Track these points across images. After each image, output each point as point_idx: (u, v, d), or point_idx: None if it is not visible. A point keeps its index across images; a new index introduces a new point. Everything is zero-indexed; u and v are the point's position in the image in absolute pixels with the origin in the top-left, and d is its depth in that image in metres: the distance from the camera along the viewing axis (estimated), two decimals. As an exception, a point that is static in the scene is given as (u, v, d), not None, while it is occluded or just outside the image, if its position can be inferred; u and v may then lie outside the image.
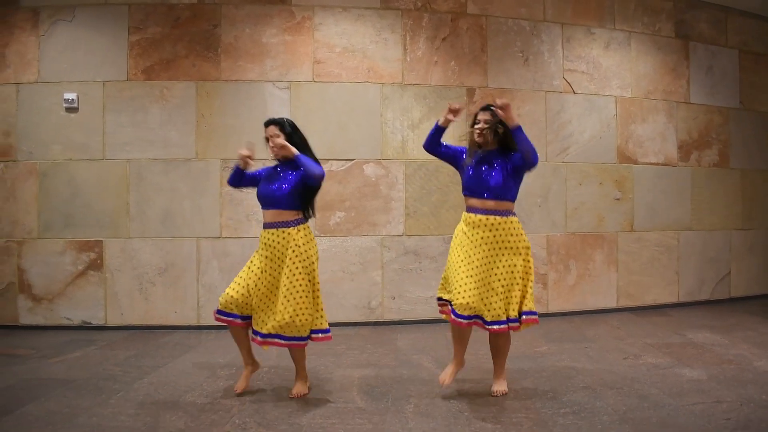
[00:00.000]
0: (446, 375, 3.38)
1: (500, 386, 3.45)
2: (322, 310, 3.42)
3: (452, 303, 3.28)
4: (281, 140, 3.42)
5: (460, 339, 3.40)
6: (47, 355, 4.41)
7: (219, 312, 3.44)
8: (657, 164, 6.31)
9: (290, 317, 3.25)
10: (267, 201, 3.44)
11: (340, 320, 5.41)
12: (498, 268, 3.35)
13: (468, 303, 3.22)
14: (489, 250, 3.36)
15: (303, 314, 3.29)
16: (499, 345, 3.45)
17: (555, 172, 5.89)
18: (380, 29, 5.55)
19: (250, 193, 5.31)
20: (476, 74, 5.71)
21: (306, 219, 3.51)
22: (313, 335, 3.38)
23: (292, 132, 3.52)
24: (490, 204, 3.38)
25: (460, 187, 5.64)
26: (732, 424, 2.93)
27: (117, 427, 2.93)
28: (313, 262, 3.39)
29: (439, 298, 3.58)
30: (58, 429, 2.90)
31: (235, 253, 5.36)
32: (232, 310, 3.41)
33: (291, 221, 3.39)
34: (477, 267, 3.31)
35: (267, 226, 3.43)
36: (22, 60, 5.34)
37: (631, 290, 6.19)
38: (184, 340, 4.93)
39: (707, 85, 6.62)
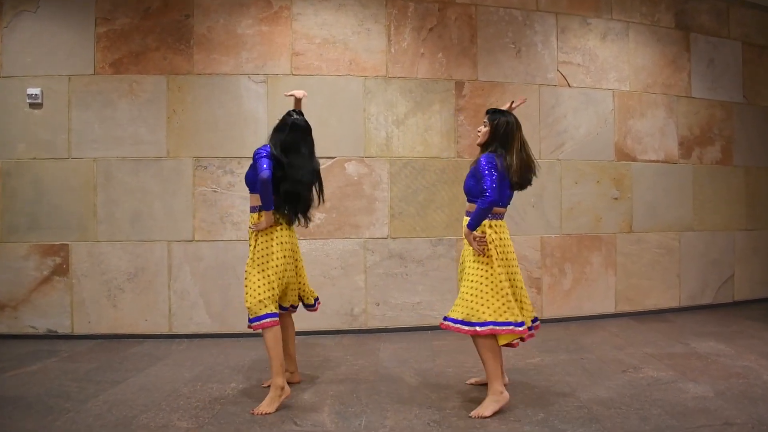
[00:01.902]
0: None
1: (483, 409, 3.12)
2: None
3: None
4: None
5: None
6: (4, 368, 4.09)
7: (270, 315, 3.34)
8: (657, 162, 6.00)
9: None
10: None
11: (320, 328, 5.10)
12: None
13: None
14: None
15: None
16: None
17: (549, 170, 5.57)
18: (363, 19, 5.23)
19: (225, 194, 5.04)
20: (465, 67, 5.39)
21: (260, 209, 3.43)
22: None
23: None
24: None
25: (447, 187, 5.42)
26: (743, 450, 2.62)
27: (54, 457, 2.62)
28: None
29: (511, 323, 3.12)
30: (-11, 459, 2.59)
31: (209, 257, 5.04)
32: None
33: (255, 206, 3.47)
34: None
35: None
36: (-18, 53, 5.02)
37: (630, 294, 5.88)
38: (153, 351, 4.61)
39: (709, 79, 6.30)
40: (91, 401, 3.38)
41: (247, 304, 3.33)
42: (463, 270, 3.30)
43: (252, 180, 3.43)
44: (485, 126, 3.28)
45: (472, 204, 3.24)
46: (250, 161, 3.48)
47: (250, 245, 3.45)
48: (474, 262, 3.19)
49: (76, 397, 3.47)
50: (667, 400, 3.32)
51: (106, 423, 3.03)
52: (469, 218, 3.16)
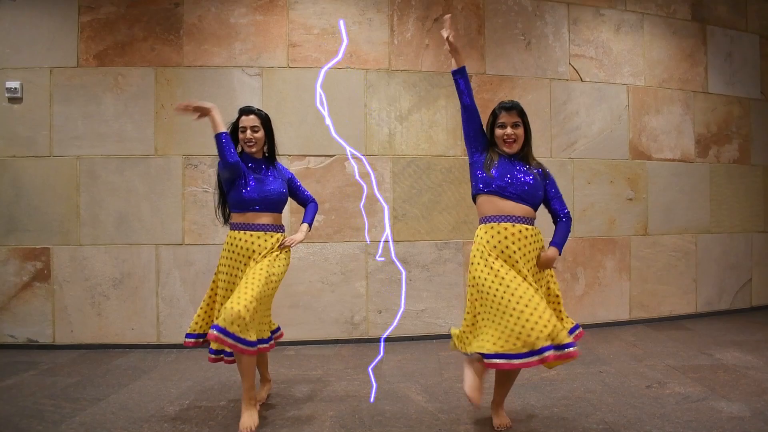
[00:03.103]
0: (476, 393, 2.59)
1: (503, 418, 2.93)
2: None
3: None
4: None
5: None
6: (-26, 384, 3.77)
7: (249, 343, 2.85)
8: (673, 160, 5.69)
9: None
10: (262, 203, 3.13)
11: (319, 337, 4.79)
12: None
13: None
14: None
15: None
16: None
17: (561, 169, 5.26)
18: (364, 8, 4.92)
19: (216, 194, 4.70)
20: (472, 59, 5.07)
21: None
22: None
23: (269, 133, 3.27)
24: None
25: (453, 187, 5.12)
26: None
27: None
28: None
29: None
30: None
31: (200, 262, 4.72)
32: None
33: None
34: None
35: (254, 227, 3.11)
36: (-43, 43, 4.69)
37: (646, 300, 5.57)
38: (139, 363, 4.29)
39: (726, 73, 6.00)
40: (65, 423, 3.06)
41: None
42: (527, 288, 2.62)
43: (281, 198, 3.17)
44: (518, 127, 2.80)
45: (519, 206, 2.74)
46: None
47: (276, 264, 3.06)
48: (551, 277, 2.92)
49: (50, 417, 3.15)
50: (701, 421, 3.00)
51: (80, 450, 2.72)
52: (558, 238, 2.84)
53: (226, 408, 3.28)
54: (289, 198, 3.30)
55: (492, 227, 2.71)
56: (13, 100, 4.70)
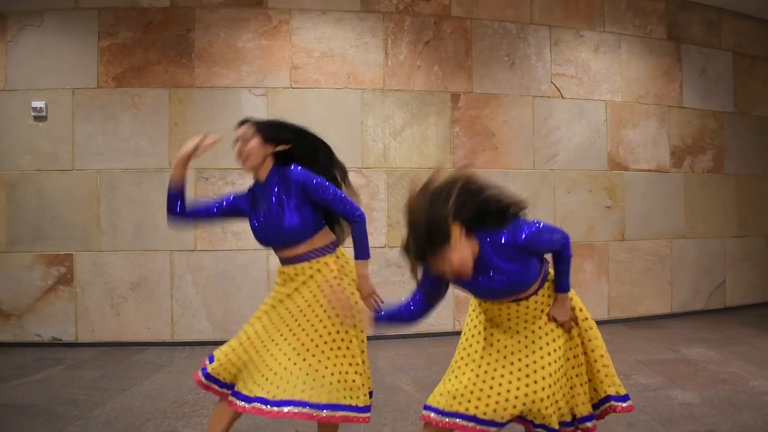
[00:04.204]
0: None
1: None
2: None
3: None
4: None
5: None
6: (8, 377, 4.19)
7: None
8: (649, 171, 6.12)
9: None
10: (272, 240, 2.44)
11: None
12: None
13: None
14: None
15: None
16: None
17: (543, 180, 5.69)
18: (360, 33, 5.35)
19: (226, 205, 5.13)
20: (461, 79, 5.51)
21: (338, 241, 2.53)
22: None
23: (295, 138, 2.46)
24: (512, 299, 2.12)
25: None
26: (725, 456, 2.74)
27: (65, 465, 2.73)
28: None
29: None
30: (2, 467, 2.70)
31: (210, 267, 5.15)
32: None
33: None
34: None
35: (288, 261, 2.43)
36: (-12, 67, 5.13)
37: (623, 301, 6.00)
38: (155, 359, 4.72)
39: (701, 89, 6.43)
40: (98, 409, 3.49)
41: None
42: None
43: (294, 233, 2.39)
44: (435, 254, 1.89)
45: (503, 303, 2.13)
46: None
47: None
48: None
49: (83, 404, 3.58)
50: (655, 407, 3.43)
51: (115, 430, 3.14)
52: (560, 280, 2.15)
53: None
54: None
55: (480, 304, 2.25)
56: (38, 118, 5.13)
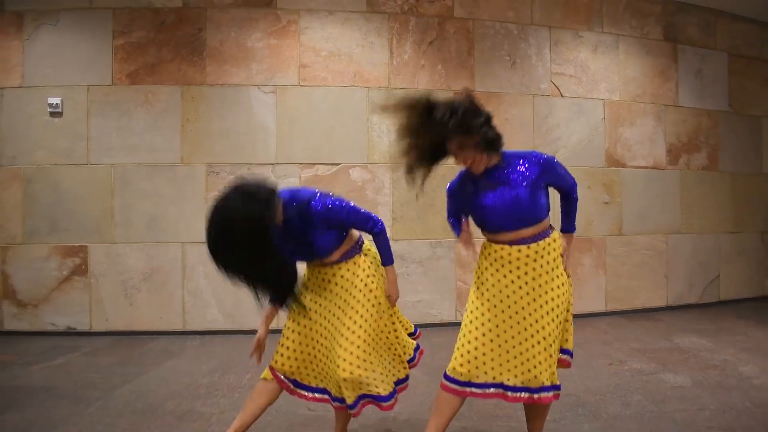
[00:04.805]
0: None
1: None
2: None
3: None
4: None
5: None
6: (29, 362, 4.37)
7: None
8: (646, 168, 6.30)
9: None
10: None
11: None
12: None
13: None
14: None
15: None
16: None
17: (543, 176, 5.86)
18: (366, 33, 5.53)
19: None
20: (463, 78, 5.69)
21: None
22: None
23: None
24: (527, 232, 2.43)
25: (445, 191, 5.68)
26: (713, 432, 2.92)
27: (92, 438, 2.90)
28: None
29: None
30: (33, 439, 2.87)
31: (221, 259, 5.32)
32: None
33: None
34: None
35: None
36: (6, 65, 5.30)
37: (620, 294, 6.17)
38: (168, 347, 4.89)
39: (696, 89, 6.61)
40: (117, 390, 3.66)
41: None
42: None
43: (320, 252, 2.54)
44: (465, 148, 2.37)
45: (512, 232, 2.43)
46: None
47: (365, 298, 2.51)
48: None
49: (102, 387, 3.76)
50: (648, 389, 3.61)
51: (136, 410, 3.32)
52: (571, 220, 2.64)
53: (252, 379, 3.88)
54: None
55: (489, 245, 2.51)
56: (54, 114, 5.30)
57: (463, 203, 2.58)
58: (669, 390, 3.59)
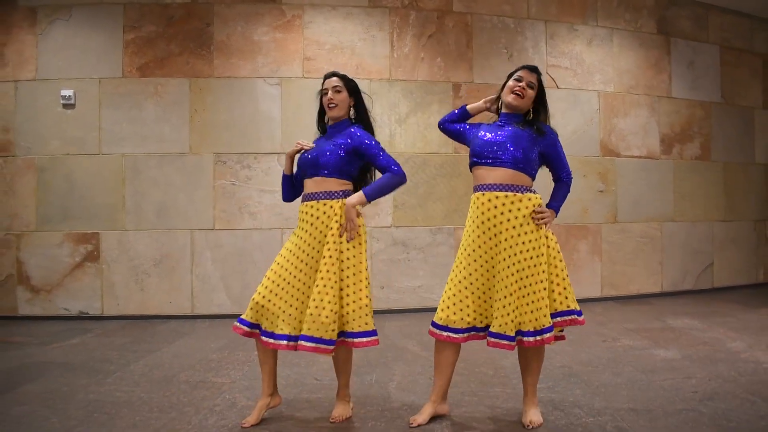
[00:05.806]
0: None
1: (534, 415, 2.72)
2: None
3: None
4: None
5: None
6: (45, 342, 4.55)
7: (242, 321, 2.85)
8: (640, 157, 6.48)
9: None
10: (307, 166, 2.83)
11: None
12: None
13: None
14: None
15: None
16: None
17: (540, 165, 6.04)
18: (368, 27, 5.72)
19: (243, 186, 5.51)
20: (462, 70, 5.87)
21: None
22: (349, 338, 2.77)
23: (357, 100, 3.04)
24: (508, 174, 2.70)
25: (445, 180, 5.90)
26: (699, 396, 3.09)
27: (113, 402, 3.07)
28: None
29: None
30: (57, 404, 3.04)
31: (228, 245, 5.51)
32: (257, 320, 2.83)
33: (335, 192, 2.77)
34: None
35: (306, 198, 2.82)
36: (21, 58, 5.49)
37: (615, 280, 6.35)
38: (178, 328, 5.07)
39: (689, 80, 6.79)
40: (132, 365, 3.85)
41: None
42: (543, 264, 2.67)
43: (328, 159, 2.79)
44: (532, 87, 2.82)
45: (499, 170, 2.70)
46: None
47: (349, 248, 2.74)
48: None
49: (118, 362, 3.94)
50: (639, 361, 3.79)
51: (151, 380, 3.50)
52: (558, 201, 2.92)
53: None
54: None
55: (475, 198, 2.73)
56: (67, 106, 5.48)
57: (466, 134, 3.00)
58: (659, 362, 3.77)
